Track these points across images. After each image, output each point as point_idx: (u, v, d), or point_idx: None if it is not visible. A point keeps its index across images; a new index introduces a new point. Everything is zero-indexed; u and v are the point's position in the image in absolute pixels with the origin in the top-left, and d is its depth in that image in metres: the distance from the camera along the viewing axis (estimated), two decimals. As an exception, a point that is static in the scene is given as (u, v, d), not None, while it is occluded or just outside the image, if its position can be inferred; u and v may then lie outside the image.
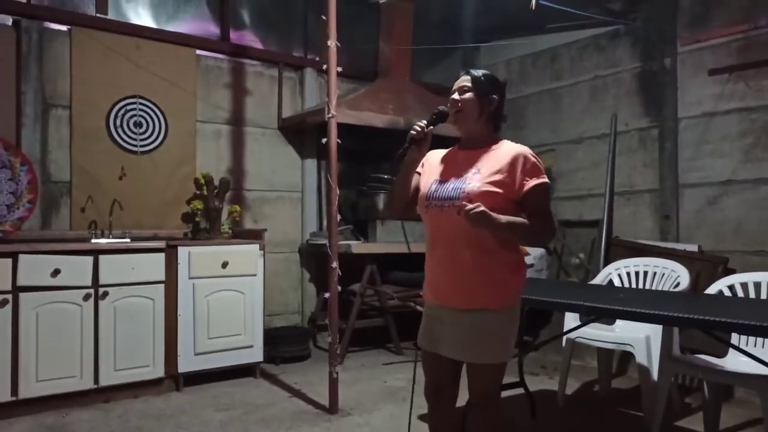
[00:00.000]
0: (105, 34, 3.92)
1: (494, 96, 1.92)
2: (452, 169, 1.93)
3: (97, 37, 3.90)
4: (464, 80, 1.93)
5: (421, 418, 2.73)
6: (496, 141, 1.93)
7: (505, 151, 1.87)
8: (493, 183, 1.81)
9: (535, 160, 1.86)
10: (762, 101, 3.81)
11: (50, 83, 3.78)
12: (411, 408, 2.44)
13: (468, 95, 1.90)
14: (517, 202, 1.83)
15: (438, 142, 2.07)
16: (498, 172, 1.83)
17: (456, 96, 1.92)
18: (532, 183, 1.82)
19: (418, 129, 1.92)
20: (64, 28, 3.82)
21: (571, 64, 4.97)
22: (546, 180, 1.86)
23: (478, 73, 1.94)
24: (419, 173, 2.01)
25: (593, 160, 4.76)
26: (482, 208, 1.70)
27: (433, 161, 2.01)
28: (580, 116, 4.88)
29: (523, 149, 1.88)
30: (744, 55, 3.88)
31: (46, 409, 3.15)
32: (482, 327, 1.83)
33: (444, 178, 1.92)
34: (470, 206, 1.71)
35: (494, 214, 1.71)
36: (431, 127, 1.95)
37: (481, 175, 1.84)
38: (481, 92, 1.90)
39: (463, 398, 2.02)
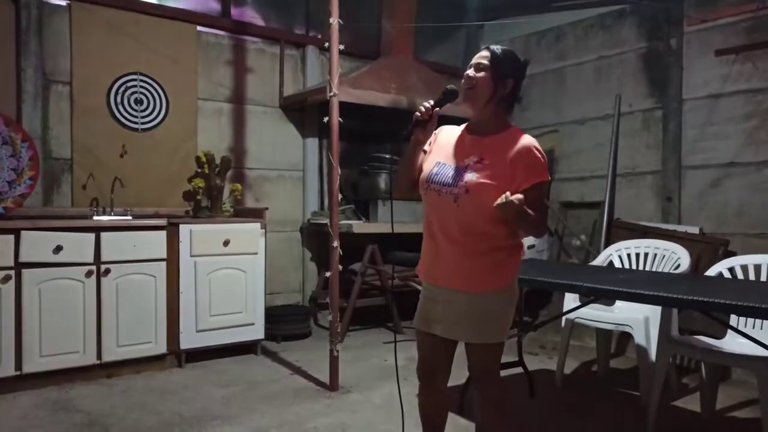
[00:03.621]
0: (105, 9, 3.88)
1: (510, 79, 1.87)
2: (457, 154, 1.90)
3: (97, 12, 3.85)
4: (483, 56, 1.87)
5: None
6: (505, 127, 1.88)
7: (511, 142, 1.82)
8: (492, 175, 1.79)
9: (539, 155, 1.81)
10: (769, 83, 3.77)
11: (50, 59, 3.75)
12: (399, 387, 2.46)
13: (483, 74, 1.84)
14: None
15: (447, 123, 2.05)
16: (499, 164, 1.80)
17: (471, 72, 1.86)
18: (532, 181, 1.79)
19: (423, 110, 1.87)
20: (63, 2, 3.77)
21: (576, 44, 4.91)
22: (546, 178, 1.83)
23: (499, 50, 1.87)
24: (425, 151, 1.98)
25: (596, 141, 4.74)
26: (519, 198, 1.66)
27: (441, 140, 1.97)
28: (583, 97, 4.84)
29: (528, 143, 1.82)
30: (752, 36, 3.83)
31: (49, 384, 3.19)
32: (476, 308, 1.84)
33: (447, 162, 1.89)
34: (508, 199, 1.66)
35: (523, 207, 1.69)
36: (437, 108, 1.90)
37: (482, 166, 1.81)
38: (498, 73, 1.84)
39: (459, 377, 2.04)
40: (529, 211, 1.73)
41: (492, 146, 1.85)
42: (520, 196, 1.68)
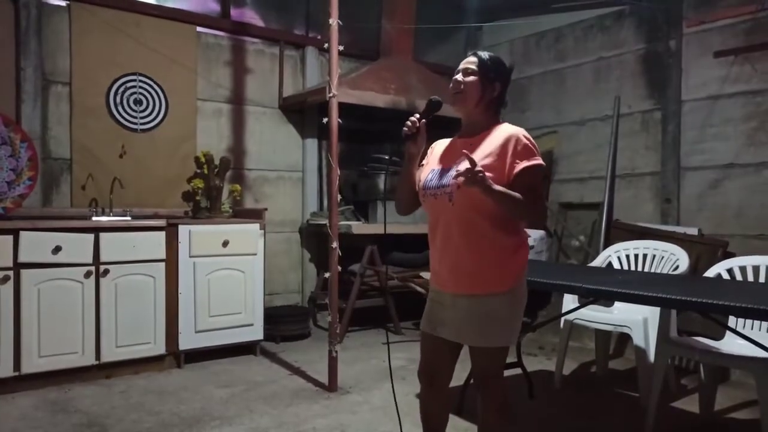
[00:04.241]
0: (104, 10, 3.88)
1: (498, 83, 1.89)
2: (448, 158, 1.92)
3: (97, 12, 3.86)
4: (470, 62, 1.90)
5: (417, 396, 2.75)
6: (494, 125, 1.90)
7: (499, 134, 1.85)
8: (482, 167, 1.77)
9: (527, 141, 1.82)
10: None
11: (50, 59, 3.75)
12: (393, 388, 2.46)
13: (471, 78, 1.87)
14: (508, 185, 1.79)
15: (444, 124, 2.05)
16: (489, 155, 1.81)
17: (459, 77, 1.89)
18: (522, 165, 1.78)
19: (410, 124, 1.89)
20: (63, 3, 3.77)
21: (576, 45, 4.92)
22: (538, 162, 1.81)
23: (486, 56, 1.90)
24: (422, 165, 2.00)
25: (595, 142, 4.74)
26: (478, 168, 1.66)
27: (435, 152, 2.01)
28: (583, 98, 4.85)
29: (516, 131, 1.84)
30: (750, 37, 3.83)
31: (48, 385, 3.19)
32: (481, 311, 1.84)
33: (439, 167, 1.92)
34: (464, 169, 1.66)
35: (490, 182, 1.68)
36: (424, 120, 1.92)
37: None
38: (486, 77, 1.87)
39: (458, 379, 2.04)
40: (499, 187, 1.70)
41: (481, 141, 1.87)
42: (471, 169, 1.66)
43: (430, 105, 1.93)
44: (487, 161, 1.80)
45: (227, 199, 4.24)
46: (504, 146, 1.81)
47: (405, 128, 1.90)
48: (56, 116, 3.78)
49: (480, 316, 1.84)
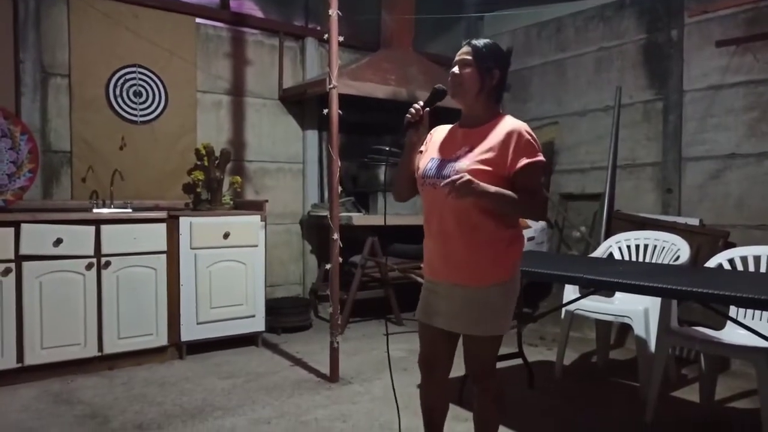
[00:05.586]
0: (103, 2, 3.87)
1: (496, 70, 1.87)
2: (449, 148, 1.91)
3: (95, 4, 3.84)
4: (465, 52, 1.87)
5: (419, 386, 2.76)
6: (495, 116, 1.89)
7: (501, 127, 1.83)
8: (483, 161, 1.78)
9: (529, 137, 1.81)
10: (769, 74, 3.76)
11: (49, 52, 3.74)
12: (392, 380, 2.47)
13: (468, 69, 1.85)
14: (508, 180, 1.79)
15: (444, 115, 2.05)
16: (490, 149, 1.80)
17: (456, 70, 1.87)
18: (523, 162, 1.77)
19: (413, 112, 1.89)
20: (61, -6, 3.76)
21: (577, 35, 4.90)
22: (540, 158, 1.81)
23: (480, 44, 1.87)
24: (421, 152, 1.99)
25: (597, 132, 4.73)
26: (467, 177, 1.68)
27: (435, 139, 1.99)
28: (584, 88, 4.83)
29: (518, 126, 1.82)
30: (752, 27, 3.81)
31: (51, 376, 3.20)
32: (475, 300, 1.84)
33: (440, 157, 1.91)
34: (454, 177, 1.69)
35: (482, 184, 1.70)
36: (427, 108, 1.91)
37: (473, 153, 1.82)
38: (483, 66, 1.84)
39: (459, 369, 2.05)
40: (493, 188, 1.72)
41: (482, 134, 1.85)
42: (460, 176, 1.68)
43: (435, 94, 1.92)
44: (488, 156, 1.79)
45: (228, 191, 4.24)
46: (505, 141, 1.80)
47: (408, 116, 1.90)
48: (56, 109, 3.77)
49: (475, 305, 1.84)
